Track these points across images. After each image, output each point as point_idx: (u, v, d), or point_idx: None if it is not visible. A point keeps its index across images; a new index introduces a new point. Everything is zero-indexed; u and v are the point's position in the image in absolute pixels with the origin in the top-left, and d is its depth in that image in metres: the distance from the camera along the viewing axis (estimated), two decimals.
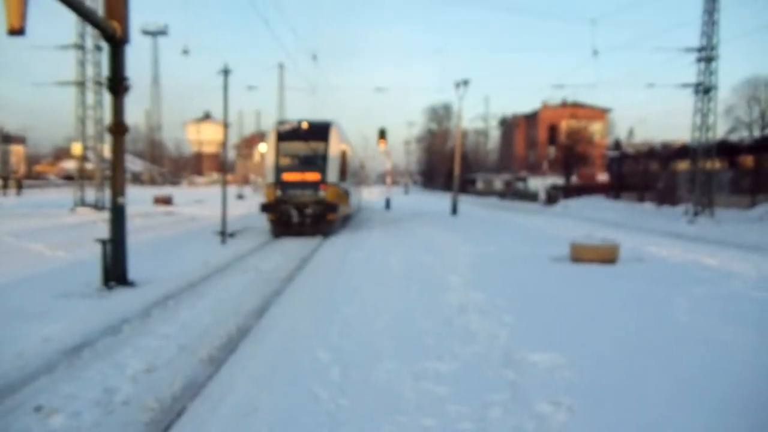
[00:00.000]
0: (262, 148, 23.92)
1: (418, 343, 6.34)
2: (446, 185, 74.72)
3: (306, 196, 18.89)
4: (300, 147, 19.72)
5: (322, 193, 18.95)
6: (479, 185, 79.07)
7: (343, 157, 20.68)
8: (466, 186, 73.30)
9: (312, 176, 19.16)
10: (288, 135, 19.86)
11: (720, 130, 32.08)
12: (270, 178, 19.44)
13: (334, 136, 19.82)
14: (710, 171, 27.47)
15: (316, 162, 19.40)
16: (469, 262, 12.27)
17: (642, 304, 8.36)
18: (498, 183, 75.66)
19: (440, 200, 48.35)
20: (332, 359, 5.80)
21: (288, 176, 19.24)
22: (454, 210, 30.45)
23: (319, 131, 19.85)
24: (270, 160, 19.70)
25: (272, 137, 20.18)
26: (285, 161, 19.63)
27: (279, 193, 18.96)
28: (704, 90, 26.33)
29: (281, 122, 21.18)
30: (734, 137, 37.29)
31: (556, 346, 6.02)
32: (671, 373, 5.37)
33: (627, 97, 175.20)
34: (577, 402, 4.65)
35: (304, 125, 20.02)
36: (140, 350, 6.26)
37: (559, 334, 6.65)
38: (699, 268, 11.95)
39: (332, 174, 19.36)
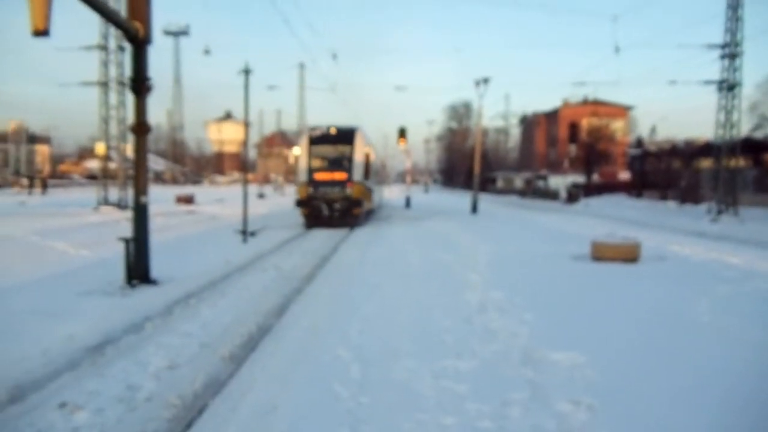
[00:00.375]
0: (296, 151, 26.59)
1: (438, 341, 6.35)
2: (466, 184, 74.53)
3: (335, 193, 21.35)
4: (329, 150, 22.07)
5: (349, 191, 21.39)
6: (499, 184, 78.65)
7: (367, 158, 22.81)
8: (487, 184, 72.96)
9: (340, 176, 21.53)
10: (318, 139, 22.27)
11: (744, 128, 31.49)
12: (303, 177, 21.82)
13: (358, 140, 22.17)
14: (734, 169, 27.06)
15: (343, 163, 21.77)
16: (488, 261, 12.23)
17: (663, 304, 8.27)
18: (518, 181, 75.16)
19: (460, 199, 48.21)
20: (352, 357, 5.82)
21: (319, 176, 21.61)
22: (474, 208, 30.35)
23: (346, 136, 22.26)
24: (303, 162, 22.12)
25: (305, 142, 22.61)
26: (316, 163, 21.96)
27: (311, 190, 21.39)
28: (728, 87, 25.93)
29: (312, 128, 23.55)
30: (759, 134, 36.61)
31: (576, 345, 5.98)
32: (692, 372, 5.31)
33: (649, 95, 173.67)
34: (597, 401, 4.62)
35: (333, 131, 22.43)
36: (162, 348, 6.33)
37: (579, 332, 6.61)
38: (722, 267, 11.78)
39: (357, 174, 21.71)
